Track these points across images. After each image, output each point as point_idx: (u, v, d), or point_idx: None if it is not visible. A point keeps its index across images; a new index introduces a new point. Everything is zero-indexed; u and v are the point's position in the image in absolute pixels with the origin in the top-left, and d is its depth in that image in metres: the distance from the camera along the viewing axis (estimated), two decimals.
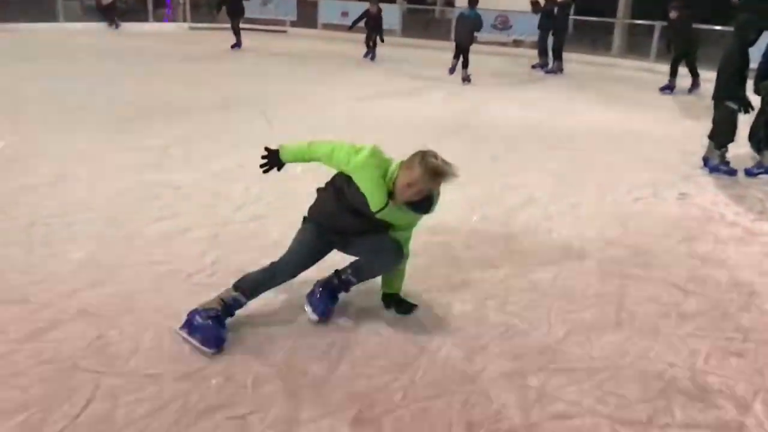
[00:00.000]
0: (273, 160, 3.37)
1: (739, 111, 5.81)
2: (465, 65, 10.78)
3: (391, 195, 2.97)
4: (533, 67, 12.98)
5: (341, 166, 3.09)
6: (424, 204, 3.02)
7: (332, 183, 3.21)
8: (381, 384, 2.66)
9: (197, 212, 4.42)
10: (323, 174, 5.32)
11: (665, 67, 11.46)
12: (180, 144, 6.13)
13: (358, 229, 3.12)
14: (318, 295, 3.16)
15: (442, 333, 3.06)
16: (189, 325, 2.86)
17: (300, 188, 5.04)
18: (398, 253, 3.10)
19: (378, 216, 3.02)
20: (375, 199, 2.98)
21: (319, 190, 3.29)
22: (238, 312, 3.01)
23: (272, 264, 3.06)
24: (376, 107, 8.39)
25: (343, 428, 2.39)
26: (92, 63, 10.82)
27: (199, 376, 2.63)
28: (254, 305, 3.20)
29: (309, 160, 3.32)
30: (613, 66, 14.29)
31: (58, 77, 9.41)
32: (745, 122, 6.10)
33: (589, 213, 4.84)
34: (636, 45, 15.97)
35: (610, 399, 2.64)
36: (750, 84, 6.08)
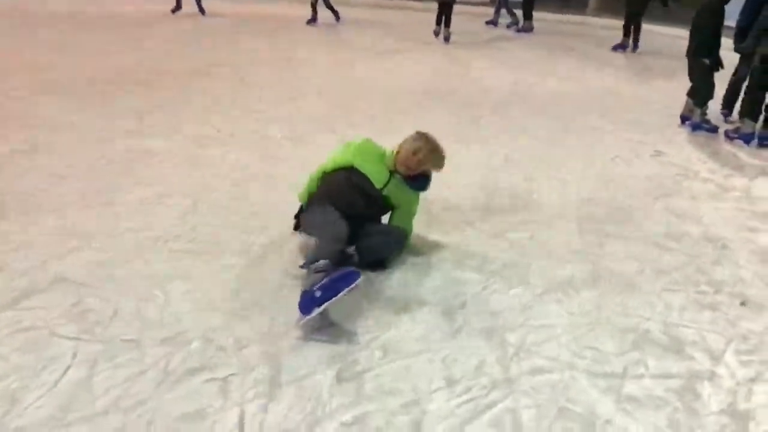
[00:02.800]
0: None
1: (713, 67, 5.84)
2: (447, 24, 10.62)
3: (391, 174, 3.33)
4: (487, 23, 12.67)
5: (344, 161, 3.34)
6: (422, 181, 3.41)
7: (341, 168, 3.37)
8: (362, 343, 2.69)
9: (175, 178, 4.37)
10: (302, 139, 5.33)
11: (645, 27, 11.43)
12: (156, 110, 6.03)
13: (366, 212, 3.32)
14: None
15: (422, 292, 3.09)
16: (313, 301, 2.68)
17: (279, 153, 5.02)
18: (405, 238, 3.41)
19: (384, 193, 3.32)
20: (378, 176, 3.31)
21: (325, 174, 3.41)
22: (217, 279, 3.01)
23: (323, 237, 3.05)
24: (356, 71, 8.29)
25: (324, 388, 2.42)
26: (64, 30, 10.55)
27: (179, 340, 2.64)
28: (234, 272, 3.21)
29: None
30: (589, 25, 14.19)
31: (29, 44, 9.17)
32: (721, 80, 6.13)
33: (568, 173, 4.86)
34: (612, 4, 15.86)
35: (586, 353, 2.70)
36: (729, 43, 6.09)
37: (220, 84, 7.26)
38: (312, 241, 3.17)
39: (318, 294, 2.68)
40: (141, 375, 2.43)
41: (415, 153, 3.29)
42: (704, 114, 6.05)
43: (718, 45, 5.87)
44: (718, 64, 5.87)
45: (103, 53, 8.68)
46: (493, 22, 12.69)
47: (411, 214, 3.50)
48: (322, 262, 2.86)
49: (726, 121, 6.39)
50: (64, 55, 8.44)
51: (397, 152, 3.35)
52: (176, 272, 3.16)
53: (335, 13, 11.97)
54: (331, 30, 11.61)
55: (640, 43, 10.51)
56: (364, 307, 2.94)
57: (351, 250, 3.22)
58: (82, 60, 8.14)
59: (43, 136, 5.11)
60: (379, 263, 3.28)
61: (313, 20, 11.82)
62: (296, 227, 3.56)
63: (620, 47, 10.50)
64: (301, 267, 3.02)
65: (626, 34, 10.54)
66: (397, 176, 3.36)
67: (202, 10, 12.34)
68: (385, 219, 3.52)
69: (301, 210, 3.53)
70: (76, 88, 6.71)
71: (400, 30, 11.68)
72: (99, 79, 7.12)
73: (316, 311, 2.68)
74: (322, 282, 2.72)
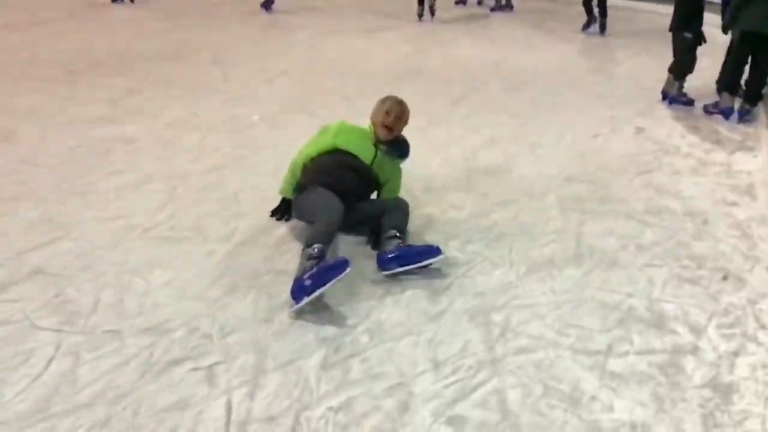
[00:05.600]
0: (285, 208, 3.54)
1: (697, 42, 5.86)
2: None
3: (376, 148, 3.44)
4: (456, 3, 12.35)
5: (324, 144, 3.41)
6: (402, 147, 3.55)
7: (325, 152, 3.42)
8: (347, 328, 2.68)
9: (152, 165, 4.30)
10: (279, 122, 5.27)
11: (625, 3, 11.40)
12: (131, 96, 5.92)
13: (358, 190, 3.37)
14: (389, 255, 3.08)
15: (406, 274, 3.07)
16: (303, 290, 2.70)
17: (257, 137, 4.96)
18: (408, 206, 3.44)
19: (373, 167, 3.41)
20: (366, 152, 3.40)
21: (312, 159, 3.43)
22: (199, 266, 3.00)
23: (319, 219, 3.07)
24: (334, 50, 8.20)
25: (311, 373, 2.41)
26: (32, 14, 10.30)
27: (161, 329, 2.61)
28: (216, 258, 3.18)
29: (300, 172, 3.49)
30: (570, 4, 14.12)
31: None
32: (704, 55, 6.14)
33: (549, 151, 4.86)
34: None
35: (571, 331, 2.71)
36: (717, 20, 6.08)
37: (194, 67, 7.13)
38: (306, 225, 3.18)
39: (308, 283, 2.69)
40: (124, 366, 2.40)
41: (388, 112, 3.44)
42: (681, 87, 6.08)
43: (700, 19, 5.89)
44: (700, 38, 5.88)
45: (70, 37, 8.49)
46: (462, 2, 12.42)
47: (398, 188, 3.60)
48: (316, 247, 2.85)
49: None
50: (32, 39, 8.25)
51: (372, 123, 3.49)
52: (157, 260, 3.12)
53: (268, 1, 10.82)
54: (309, 9, 11.44)
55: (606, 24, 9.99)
56: (348, 291, 2.92)
57: (392, 232, 3.19)
58: (51, 45, 7.96)
59: (14, 123, 5.00)
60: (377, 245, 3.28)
61: (270, 3, 10.81)
62: (277, 217, 3.56)
63: (589, 26, 10.09)
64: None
65: (589, 12, 10.04)
66: (382, 148, 3.47)
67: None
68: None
69: (282, 203, 3.54)
70: (48, 74, 6.57)
71: (376, 9, 11.53)
72: (70, 64, 6.97)
73: (306, 300, 2.68)
74: (312, 271, 2.72)
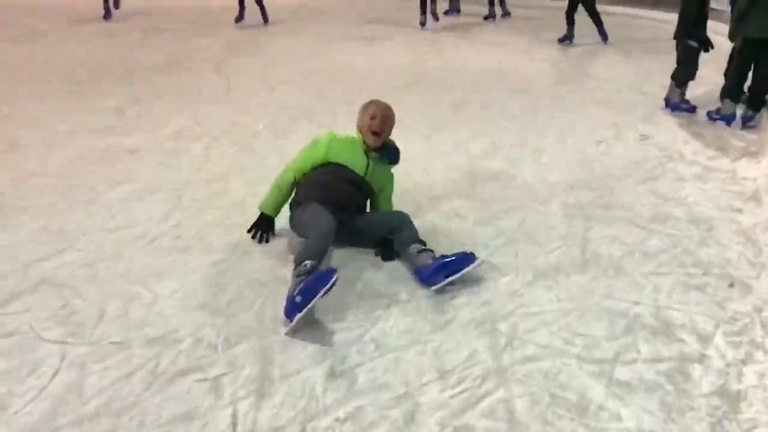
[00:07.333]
0: (263, 224, 3.46)
1: (701, 50, 5.86)
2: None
3: (368, 157, 3.41)
4: (445, 13, 12.07)
5: (316, 159, 3.39)
6: (393, 153, 3.54)
7: (319, 165, 3.41)
8: (353, 337, 2.67)
9: (156, 174, 4.31)
10: (281, 130, 5.28)
11: (622, 10, 11.42)
12: (133, 105, 5.94)
13: (356, 201, 3.38)
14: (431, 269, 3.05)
15: (412, 283, 3.07)
16: (294, 307, 2.65)
17: (260, 146, 4.97)
18: (403, 212, 3.44)
19: (367, 178, 3.39)
20: (358, 162, 3.38)
21: (304, 174, 3.42)
22: (204, 276, 3.00)
23: (310, 235, 3.06)
24: (335, 56, 8.22)
25: (317, 383, 2.40)
26: (32, 25, 10.34)
27: (167, 340, 2.61)
28: (220, 268, 3.18)
29: (289, 189, 3.46)
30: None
31: None
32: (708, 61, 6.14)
33: (552, 157, 4.85)
34: None
35: (577, 339, 2.70)
36: (719, 27, 6.07)
37: (197, 76, 7.16)
38: (299, 239, 3.18)
39: (298, 299, 2.65)
40: (131, 377, 2.40)
41: (372, 117, 3.40)
42: (683, 94, 6.08)
43: (704, 27, 5.89)
44: (707, 44, 5.88)
45: (71, 48, 8.51)
46: (451, 11, 12.21)
47: (392, 193, 3.61)
48: (307, 263, 2.84)
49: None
50: (34, 50, 8.28)
51: (359, 131, 3.47)
52: (162, 270, 3.13)
53: (263, 12, 10.48)
54: (307, 15, 11.47)
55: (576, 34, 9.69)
56: (353, 301, 2.92)
57: (417, 246, 3.19)
58: (52, 55, 7.99)
59: (19, 134, 5.01)
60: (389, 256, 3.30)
61: (239, 19, 10.39)
62: (253, 233, 3.47)
63: (566, 39, 9.69)
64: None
65: (569, 24, 9.72)
66: (373, 156, 3.44)
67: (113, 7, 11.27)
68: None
69: (261, 219, 3.46)
70: (51, 85, 6.59)
71: (375, 18, 11.54)
72: (72, 75, 6.99)
73: (299, 316, 2.64)
74: (301, 286, 2.70)
